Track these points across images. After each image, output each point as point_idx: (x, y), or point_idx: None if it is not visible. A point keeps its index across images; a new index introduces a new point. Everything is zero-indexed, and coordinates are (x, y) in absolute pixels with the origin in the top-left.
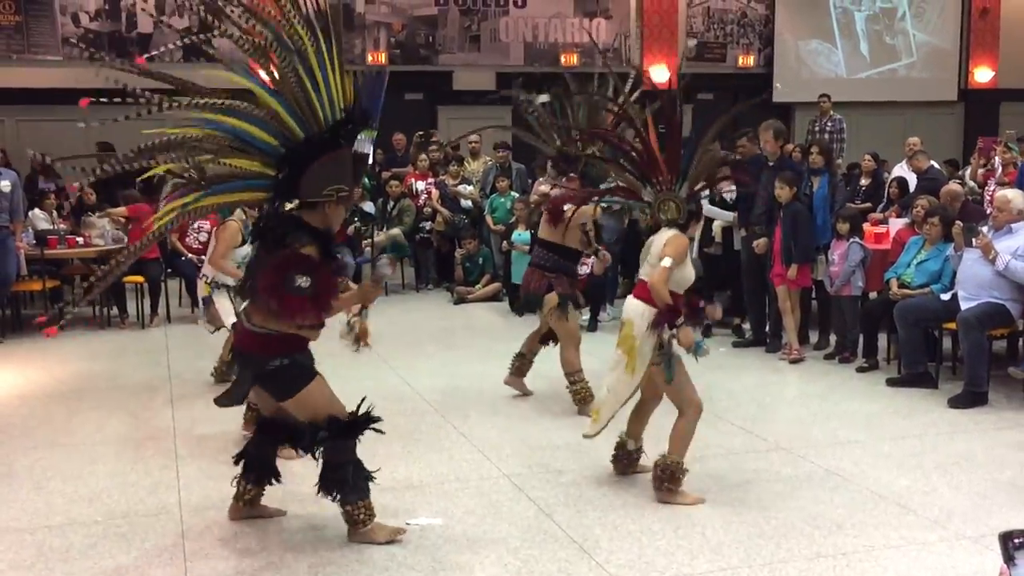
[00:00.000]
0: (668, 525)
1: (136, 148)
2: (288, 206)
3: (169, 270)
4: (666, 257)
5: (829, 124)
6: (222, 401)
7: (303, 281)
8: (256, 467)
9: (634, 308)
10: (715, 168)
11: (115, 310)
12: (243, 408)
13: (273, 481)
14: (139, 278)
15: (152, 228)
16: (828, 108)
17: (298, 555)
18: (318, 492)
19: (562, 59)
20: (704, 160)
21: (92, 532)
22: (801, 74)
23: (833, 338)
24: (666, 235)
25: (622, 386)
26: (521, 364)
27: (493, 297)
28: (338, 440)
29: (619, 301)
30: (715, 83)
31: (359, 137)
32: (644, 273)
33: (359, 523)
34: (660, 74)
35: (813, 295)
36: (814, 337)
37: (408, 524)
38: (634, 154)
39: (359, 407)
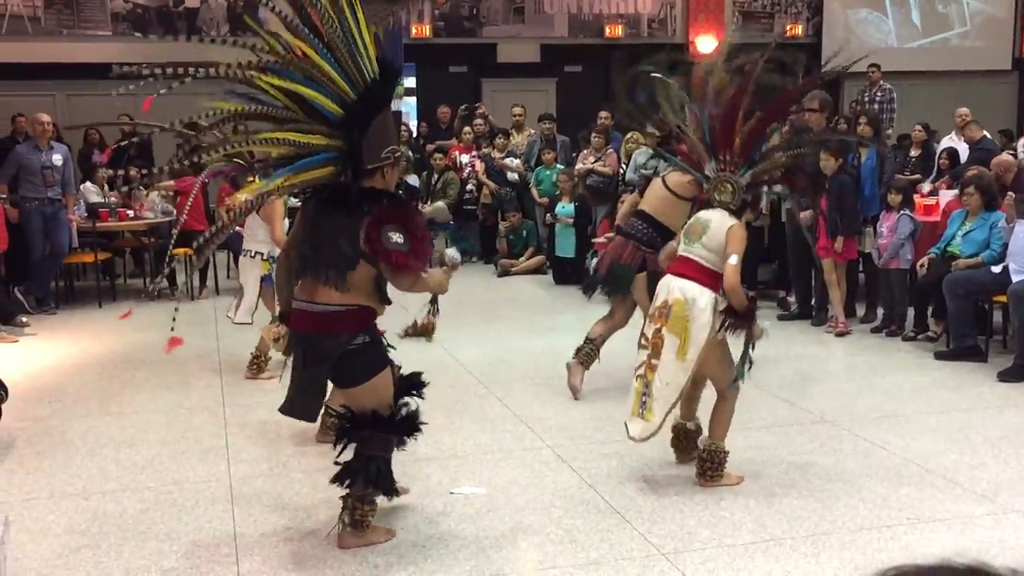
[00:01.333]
0: (711, 497)
1: (207, 122)
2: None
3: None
4: (733, 255)
5: (879, 95)
6: (308, 417)
7: (397, 236)
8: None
9: (685, 289)
10: (777, 171)
11: (165, 282)
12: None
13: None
14: (188, 250)
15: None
16: (878, 78)
17: None
18: (334, 480)
19: (607, 30)
20: (770, 160)
21: (145, 498)
22: (850, 43)
23: (880, 311)
24: (724, 223)
25: (675, 375)
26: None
27: (537, 270)
28: (385, 433)
29: None
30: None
31: (392, 95)
32: (693, 252)
33: (363, 526)
34: (706, 44)
35: (860, 268)
36: (861, 310)
37: (452, 493)
38: (717, 122)
39: (402, 402)
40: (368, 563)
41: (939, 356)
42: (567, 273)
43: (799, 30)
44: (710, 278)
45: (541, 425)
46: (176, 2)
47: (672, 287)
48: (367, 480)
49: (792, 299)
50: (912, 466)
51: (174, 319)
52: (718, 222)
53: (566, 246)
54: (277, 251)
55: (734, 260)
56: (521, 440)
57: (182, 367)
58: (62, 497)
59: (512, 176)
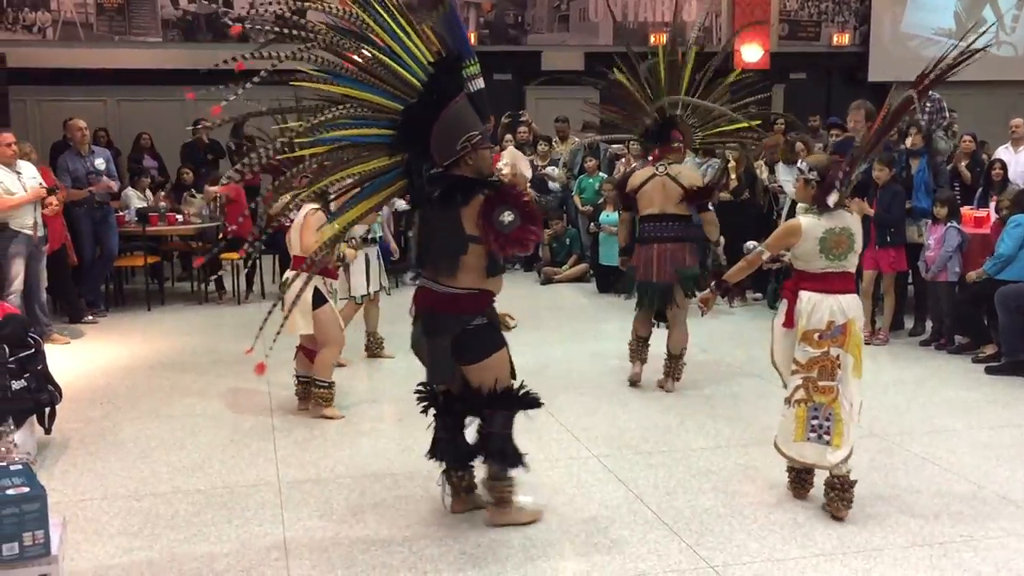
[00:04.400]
0: (759, 510)
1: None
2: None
3: (264, 247)
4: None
5: (928, 105)
6: (436, 379)
7: (507, 215)
8: (454, 451)
9: (852, 306)
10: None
11: (212, 286)
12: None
13: (472, 461)
14: (235, 255)
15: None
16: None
17: (393, 529)
18: (484, 462)
19: (652, 38)
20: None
21: (196, 500)
22: (897, 52)
23: (929, 324)
24: (857, 221)
25: (856, 394)
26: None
27: (580, 278)
28: (505, 412)
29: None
30: (807, 62)
31: (464, 77)
32: (845, 265)
33: (508, 502)
34: (752, 53)
35: (909, 280)
36: (909, 323)
37: None
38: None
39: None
40: (417, 569)
41: (990, 371)
42: (611, 281)
43: (846, 39)
44: (854, 282)
45: (587, 435)
46: (224, 10)
47: (838, 307)
48: (494, 458)
49: None
50: (964, 482)
51: (272, 344)
52: (856, 225)
53: (610, 255)
54: (358, 230)
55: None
56: (567, 449)
57: (229, 371)
58: (115, 498)
59: (553, 185)
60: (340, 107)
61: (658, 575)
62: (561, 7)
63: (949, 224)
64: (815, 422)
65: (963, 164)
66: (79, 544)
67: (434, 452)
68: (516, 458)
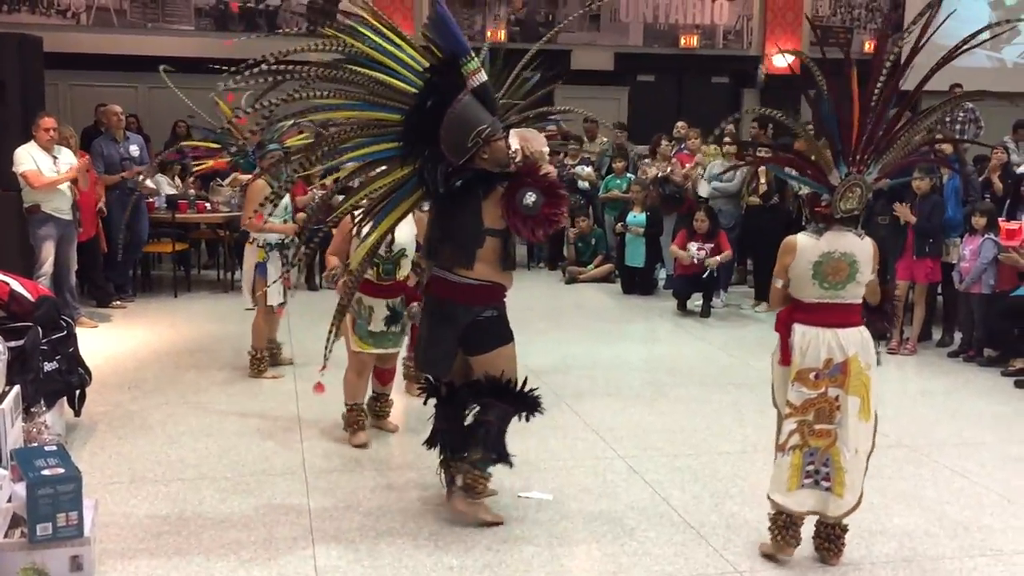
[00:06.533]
0: None
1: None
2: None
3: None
4: (874, 272)
5: (961, 114)
6: (434, 370)
7: (529, 197)
8: (451, 441)
9: (854, 340)
10: (906, 155)
11: (238, 275)
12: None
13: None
14: None
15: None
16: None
17: (420, 522)
18: (429, 444)
19: (682, 40)
20: (898, 146)
21: (222, 487)
22: (931, 62)
23: (958, 336)
24: (867, 248)
25: (865, 440)
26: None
27: (605, 278)
28: (504, 404)
29: (733, 288)
30: (838, 69)
31: (464, 75)
32: (845, 296)
33: (475, 492)
34: (781, 58)
35: (939, 291)
36: (937, 334)
37: (520, 496)
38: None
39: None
40: (443, 564)
41: (1020, 384)
42: (635, 283)
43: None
44: (859, 314)
45: (612, 435)
46: (258, 0)
47: (837, 342)
48: (482, 446)
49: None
50: (993, 496)
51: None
52: (862, 250)
53: (636, 256)
54: (272, 238)
55: (874, 276)
56: (592, 448)
57: None
58: (143, 482)
59: (583, 184)
60: (345, 129)
61: None
62: (592, 7)
63: (986, 236)
64: (811, 467)
65: (996, 176)
66: (107, 527)
67: (433, 441)
68: (503, 454)
